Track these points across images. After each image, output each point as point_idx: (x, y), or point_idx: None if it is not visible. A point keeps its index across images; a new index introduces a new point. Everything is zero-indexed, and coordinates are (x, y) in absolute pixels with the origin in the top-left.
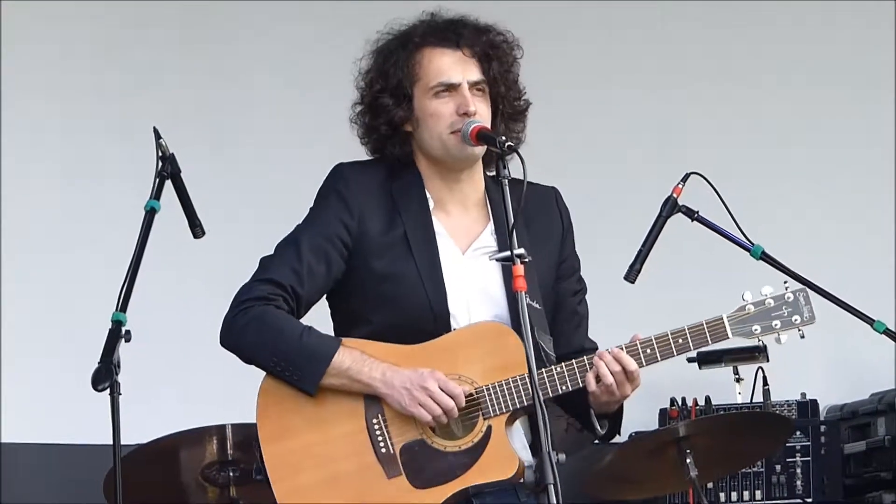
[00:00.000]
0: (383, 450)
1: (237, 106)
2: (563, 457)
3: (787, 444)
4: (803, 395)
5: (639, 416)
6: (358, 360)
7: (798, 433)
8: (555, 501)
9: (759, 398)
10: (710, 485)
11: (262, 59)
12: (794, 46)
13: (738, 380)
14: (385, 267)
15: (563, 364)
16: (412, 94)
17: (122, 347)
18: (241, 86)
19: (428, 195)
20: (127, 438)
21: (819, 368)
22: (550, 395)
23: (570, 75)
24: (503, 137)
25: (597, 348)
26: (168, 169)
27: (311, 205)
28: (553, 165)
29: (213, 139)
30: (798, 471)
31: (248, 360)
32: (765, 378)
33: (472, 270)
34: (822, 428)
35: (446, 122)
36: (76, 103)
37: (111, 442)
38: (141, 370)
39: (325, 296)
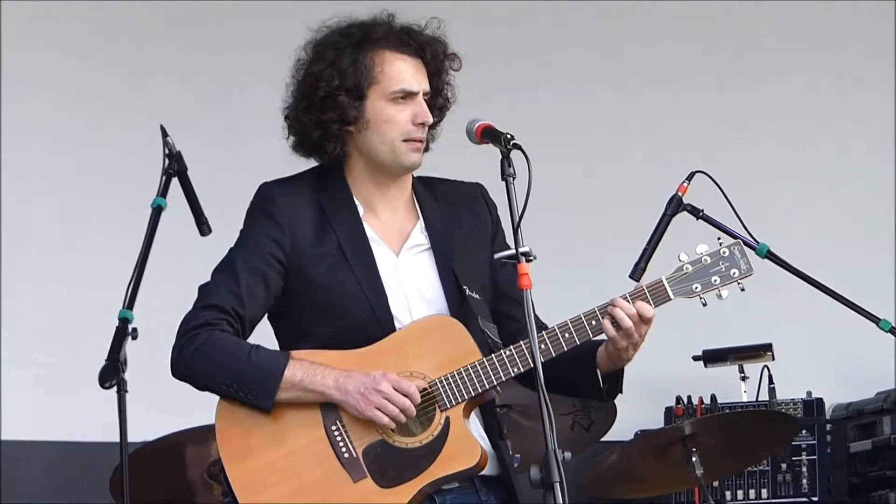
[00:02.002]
0: (346, 455)
1: (243, 102)
2: (568, 455)
3: (793, 443)
4: (809, 393)
5: (644, 415)
6: (309, 370)
7: (804, 432)
8: (561, 500)
9: (764, 396)
10: (715, 483)
11: (268, 55)
12: (800, 45)
13: (743, 378)
14: (323, 278)
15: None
16: (366, 95)
17: (129, 345)
18: (247, 83)
19: (356, 202)
20: (133, 436)
21: (825, 367)
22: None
23: (572, 74)
24: (509, 135)
25: (547, 326)
26: (175, 166)
27: (241, 227)
28: (558, 165)
29: (219, 137)
30: (804, 469)
31: (201, 388)
32: (770, 376)
33: (407, 271)
34: (828, 426)
35: (401, 129)
36: (80, 101)
37: (118, 439)
38: (147, 368)
39: (266, 315)
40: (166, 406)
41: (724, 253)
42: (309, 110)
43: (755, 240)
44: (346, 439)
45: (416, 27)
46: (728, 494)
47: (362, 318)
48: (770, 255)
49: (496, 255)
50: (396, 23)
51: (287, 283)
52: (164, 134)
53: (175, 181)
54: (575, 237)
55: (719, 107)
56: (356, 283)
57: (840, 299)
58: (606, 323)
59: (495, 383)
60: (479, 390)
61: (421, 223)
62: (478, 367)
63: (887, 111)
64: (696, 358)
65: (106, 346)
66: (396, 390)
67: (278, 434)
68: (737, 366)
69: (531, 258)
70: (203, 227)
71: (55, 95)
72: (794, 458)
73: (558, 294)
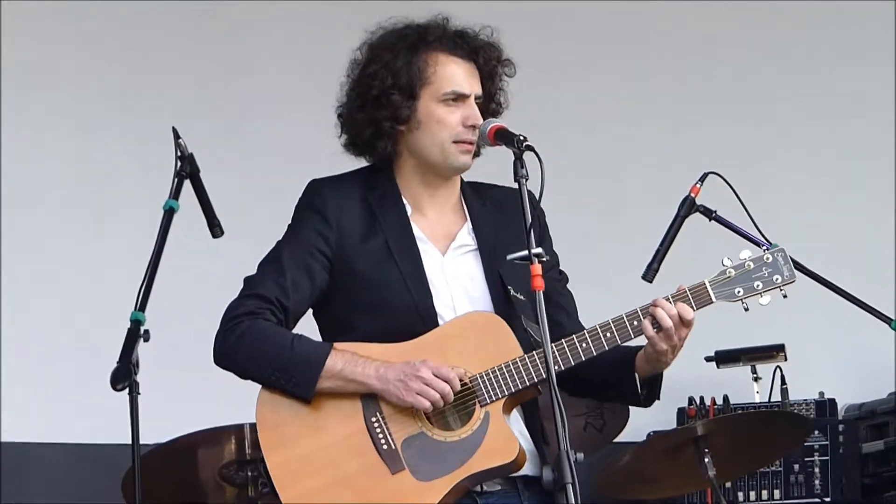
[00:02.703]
0: (385, 447)
1: (256, 104)
2: (581, 456)
3: (806, 444)
4: (821, 394)
5: (657, 416)
6: (350, 360)
7: (816, 432)
8: (573, 501)
9: (777, 397)
10: (728, 484)
11: (281, 57)
12: (813, 47)
13: (756, 379)
14: (369, 273)
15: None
16: (419, 96)
17: (141, 347)
18: (261, 85)
19: (405, 201)
20: (145, 438)
21: (837, 367)
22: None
23: (585, 75)
24: (522, 136)
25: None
26: (187, 168)
27: (289, 222)
28: (571, 166)
29: (232, 139)
30: (816, 470)
31: (243, 376)
32: (783, 377)
33: (453, 270)
34: (841, 427)
35: (451, 130)
36: (91, 102)
37: (130, 441)
38: (159, 370)
39: (311, 310)
40: (178, 408)
41: (767, 259)
42: (362, 108)
43: (768, 241)
44: (386, 431)
45: (471, 31)
46: (741, 495)
47: (406, 315)
48: None
49: (508, 257)
50: (451, 26)
51: (333, 277)
52: (177, 136)
53: (187, 183)
54: (587, 238)
55: (732, 108)
56: (402, 279)
57: (852, 300)
58: (647, 323)
59: (535, 380)
60: (520, 386)
61: (468, 225)
62: (518, 363)
63: None
64: (708, 359)
65: (118, 347)
66: (436, 376)
67: (318, 424)
68: (749, 366)
69: (543, 259)
70: (215, 229)
71: (67, 97)
72: (806, 459)
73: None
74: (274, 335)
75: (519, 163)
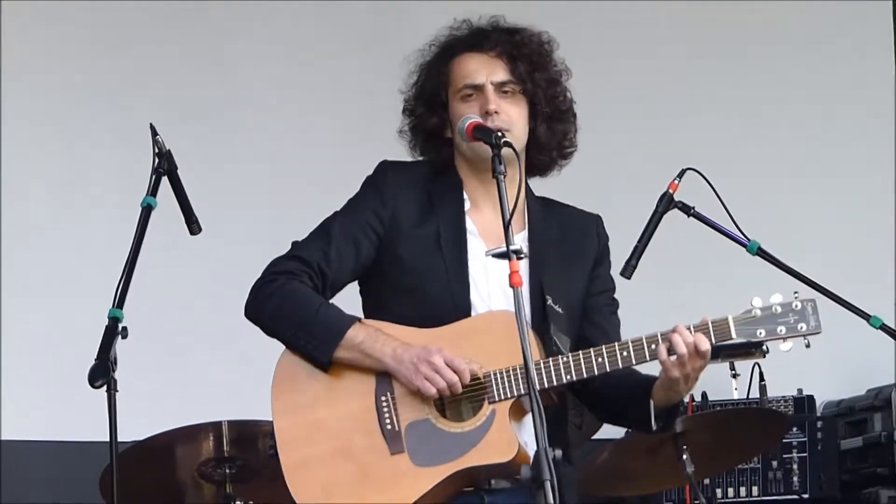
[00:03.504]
0: (389, 426)
1: (233, 103)
2: (559, 453)
3: (784, 440)
4: (800, 390)
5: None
6: (371, 335)
7: (795, 429)
8: (551, 499)
9: (755, 394)
10: (706, 481)
11: (259, 57)
12: (793, 44)
13: (734, 375)
14: (413, 260)
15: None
16: (447, 101)
17: (119, 344)
18: (237, 83)
19: (465, 197)
20: (123, 435)
21: (816, 364)
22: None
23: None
24: (499, 133)
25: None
26: (164, 165)
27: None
28: None
29: (209, 136)
30: (795, 467)
31: (267, 330)
32: (761, 374)
33: (496, 269)
34: (819, 424)
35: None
36: (68, 100)
37: (108, 439)
38: (137, 367)
39: (359, 290)
40: (156, 405)
41: (796, 306)
42: (408, 123)
43: (746, 237)
44: (393, 411)
45: (485, 26)
46: (719, 492)
47: (441, 305)
48: (761, 253)
49: (486, 252)
50: (468, 26)
51: (378, 255)
52: (154, 133)
53: (165, 180)
54: None
55: (710, 104)
56: (444, 270)
57: (831, 296)
58: (662, 348)
59: (546, 386)
60: (528, 390)
61: (525, 233)
62: (540, 366)
63: (887, 108)
64: None
65: (96, 345)
66: (448, 365)
67: (332, 395)
68: (728, 363)
69: (522, 256)
70: (193, 225)
71: (44, 94)
72: (785, 456)
73: None
74: (303, 296)
75: (497, 159)
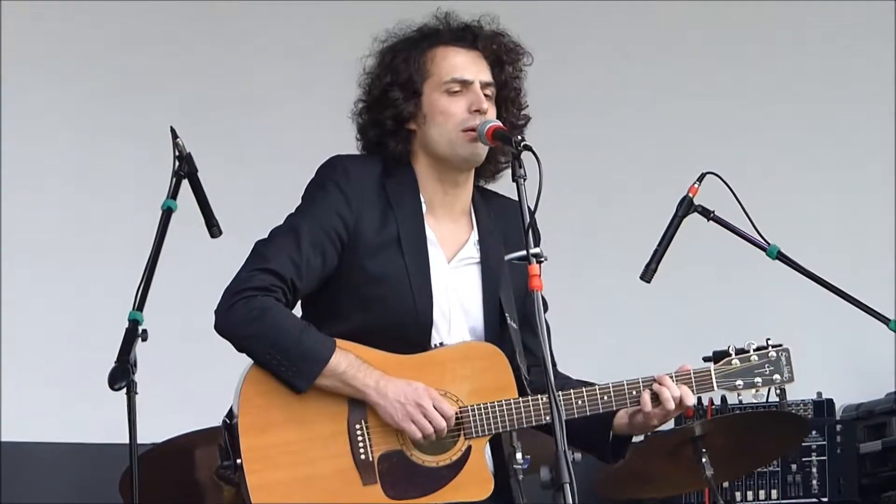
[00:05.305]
0: (362, 456)
1: (253, 105)
2: (578, 456)
3: (803, 444)
4: (819, 394)
5: None
6: (353, 364)
7: (814, 433)
8: (570, 501)
9: (774, 398)
10: (725, 484)
11: (281, 57)
12: (812, 48)
13: None
14: (376, 268)
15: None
16: (422, 91)
17: (139, 346)
18: (258, 85)
19: (421, 197)
20: (143, 437)
21: (835, 368)
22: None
23: (582, 76)
24: (519, 136)
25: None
26: (185, 168)
27: (305, 192)
28: (569, 166)
29: (230, 139)
30: (814, 470)
31: (241, 349)
32: None
33: (455, 281)
34: (838, 427)
35: (457, 119)
36: (89, 102)
37: (127, 441)
38: (157, 369)
39: None
40: (176, 408)
41: (771, 356)
42: (367, 110)
43: (766, 241)
44: (367, 441)
45: (475, 23)
46: (738, 495)
47: (402, 316)
48: (781, 257)
49: (507, 257)
50: (453, 20)
51: (339, 262)
52: (175, 135)
53: (186, 183)
54: (586, 239)
55: (731, 109)
56: (406, 279)
57: (850, 300)
58: (646, 397)
59: (525, 426)
60: (507, 429)
61: (475, 235)
62: (512, 406)
63: None
64: (706, 359)
65: (116, 347)
66: (436, 409)
67: (301, 417)
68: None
69: (542, 259)
70: (213, 229)
71: (65, 96)
72: (804, 459)
73: (568, 296)
74: (284, 321)
75: (517, 163)
